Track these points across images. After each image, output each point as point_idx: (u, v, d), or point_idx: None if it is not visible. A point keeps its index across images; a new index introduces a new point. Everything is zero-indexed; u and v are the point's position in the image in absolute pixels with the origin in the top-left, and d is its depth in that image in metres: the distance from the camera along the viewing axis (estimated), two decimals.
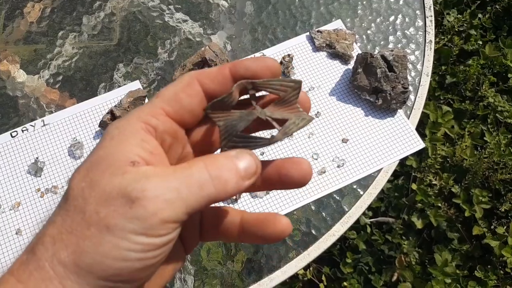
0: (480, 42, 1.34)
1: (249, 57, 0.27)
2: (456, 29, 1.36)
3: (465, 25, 1.36)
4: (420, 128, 1.25)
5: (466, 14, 1.37)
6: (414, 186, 1.21)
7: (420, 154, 1.24)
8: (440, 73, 1.33)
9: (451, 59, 1.33)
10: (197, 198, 0.23)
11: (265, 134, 0.53)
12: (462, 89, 1.31)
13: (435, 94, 1.31)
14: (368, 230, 1.18)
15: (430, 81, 0.67)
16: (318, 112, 0.63)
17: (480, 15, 1.37)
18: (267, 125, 0.27)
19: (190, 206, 0.23)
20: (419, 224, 1.17)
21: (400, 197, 1.21)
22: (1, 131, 0.61)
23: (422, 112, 0.66)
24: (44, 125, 0.61)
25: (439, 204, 1.20)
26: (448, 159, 1.24)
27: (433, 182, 1.22)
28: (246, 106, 0.28)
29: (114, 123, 0.25)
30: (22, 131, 0.60)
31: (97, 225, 0.22)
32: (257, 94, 0.28)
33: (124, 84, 0.64)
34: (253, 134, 0.27)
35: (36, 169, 0.58)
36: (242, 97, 0.27)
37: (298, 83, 0.27)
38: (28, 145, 0.60)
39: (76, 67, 0.65)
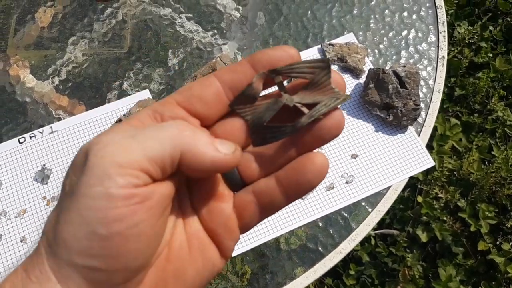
0: (491, 55, 1.33)
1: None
2: (467, 41, 1.35)
3: (475, 37, 1.35)
4: (428, 141, 1.25)
5: (477, 26, 1.36)
6: (420, 199, 1.20)
7: None
8: (449, 85, 1.32)
9: (461, 71, 1.32)
10: (160, 145, 0.21)
11: None
12: (471, 102, 1.30)
13: (444, 106, 1.30)
14: (372, 242, 1.18)
15: (443, 85, 0.66)
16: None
17: (491, 28, 1.36)
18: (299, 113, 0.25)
19: (151, 149, 0.21)
20: (423, 237, 1.17)
21: (406, 210, 1.20)
22: (9, 137, 0.60)
23: None
24: (52, 132, 0.61)
25: (445, 218, 1.19)
26: (455, 173, 1.23)
27: (439, 195, 1.21)
28: (276, 97, 0.26)
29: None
30: (30, 137, 0.60)
31: (68, 194, 0.21)
32: (285, 83, 0.26)
33: (134, 93, 0.63)
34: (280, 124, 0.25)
35: (43, 177, 0.58)
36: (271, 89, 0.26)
37: (326, 62, 0.25)
38: (35, 151, 0.59)
39: (86, 74, 0.65)
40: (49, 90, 0.64)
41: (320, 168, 0.24)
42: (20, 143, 0.60)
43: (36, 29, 0.68)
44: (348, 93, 0.65)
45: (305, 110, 0.24)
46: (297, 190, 0.25)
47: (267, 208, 0.25)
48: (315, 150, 0.25)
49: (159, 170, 0.21)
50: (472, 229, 1.16)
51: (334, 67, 0.66)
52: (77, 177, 0.21)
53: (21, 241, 0.55)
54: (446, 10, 1.35)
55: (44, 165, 0.58)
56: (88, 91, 0.64)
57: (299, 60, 0.24)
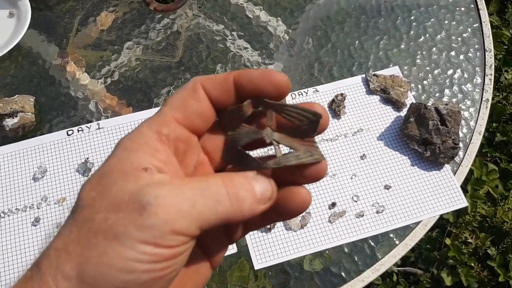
0: None
1: (258, 71, 0.25)
2: None
3: None
4: (462, 183, 1.22)
5: None
6: (448, 241, 1.17)
7: (458, 210, 1.21)
8: (490, 129, 1.30)
9: (504, 117, 1.30)
10: (212, 213, 0.22)
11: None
12: (511, 149, 1.27)
13: (482, 151, 1.27)
14: (394, 278, 1.15)
15: (484, 127, 0.66)
16: (364, 154, 0.63)
17: None
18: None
19: (205, 220, 0.22)
20: (448, 281, 1.13)
21: (432, 250, 1.18)
22: (59, 128, 0.64)
23: None
24: (99, 128, 0.64)
25: (472, 264, 1.15)
26: (487, 219, 1.20)
27: (468, 240, 1.18)
28: (261, 119, 0.26)
29: (127, 135, 0.24)
30: (78, 131, 0.63)
31: (105, 233, 0.21)
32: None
33: None
34: (254, 153, 0.26)
35: (85, 169, 0.61)
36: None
37: (317, 116, 0.24)
38: (81, 145, 0.62)
39: (137, 78, 0.68)
40: (101, 89, 0.67)
41: (302, 200, 0.25)
42: (68, 135, 0.63)
43: (96, 31, 0.72)
44: (388, 125, 0.65)
45: (277, 151, 0.25)
46: (275, 216, 0.26)
47: (249, 225, 0.28)
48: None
49: (200, 233, 0.23)
50: (501, 279, 1.12)
51: (375, 97, 0.67)
52: (120, 222, 0.21)
53: (57, 227, 0.57)
54: (494, 55, 1.34)
55: (87, 158, 0.61)
56: (137, 94, 0.67)
57: (287, 89, 0.25)
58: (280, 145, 0.25)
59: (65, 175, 0.60)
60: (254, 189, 0.23)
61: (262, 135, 0.25)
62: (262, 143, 0.26)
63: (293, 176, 0.25)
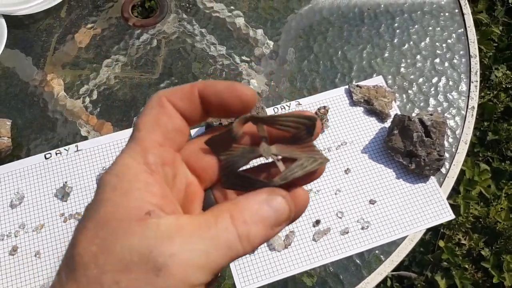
0: None
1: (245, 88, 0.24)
2: (504, 86, 1.32)
3: None
4: (455, 184, 1.21)
5: None
6: (441, 243, 1.17)
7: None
8: (482, 128, 1.29)
9: (495, 115, 1.29)
10: (225, 259, 0.21)
11: None
12: (503, 148, 1.26)
13: (474, 150, 1.27)
14: (389, 283, 1.15)
15: (470, 136, 0.65)
16: (348, 168, 0.62)
17: None
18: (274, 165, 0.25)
19: (218, 267, 0.21)
20: (442, 284, 1.13)
21: (426, 253, 1.17)
22: (36, 151, 0.62)
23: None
24: (78, 150, 0.62)
25: (466, 266, 1.15)
26: (480, 220, 1.19)
27: (462, 242, 1.18)
28: (253, 146, 0.25)
29: (108, 171, 0.22)
30: (56, 154, 0.62)
31: None
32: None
33: None
34: (255, 171, 0.25)
35: (63, 194, 0.59)
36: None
37: (313, 120, 0.24)
38: (59, 168, 0.61)
39: (116, 97, 0.67)
40: (80, 109, 0.66)
41: (302, 206, 0.24)
42: (46, 158, 0.62)
43: (74, 49, 0.71)
44: (372, 137, 0.64)
45: (280, 166, 0.24)
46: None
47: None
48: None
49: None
50: (495, 280, 1.11)
51: (359, 109, 0.66)
52: (134, 284, 0.19)
53: (35, 255, 0.56)
54: (484, 53, 1.33)
55: (66, 182, 0.60)
56: (117, 113, 0.66)
57: (253, 102, 0.24)
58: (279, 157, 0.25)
59: (43, 200, 0.59)
60: (267, 216, 0.22)
61: (260, 153, 0.24)
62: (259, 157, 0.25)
63: (297, 182, 0.24)
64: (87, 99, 0.67)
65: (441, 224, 1.21)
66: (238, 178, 0.24)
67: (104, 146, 0.63)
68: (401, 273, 1.16)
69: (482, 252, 1.15)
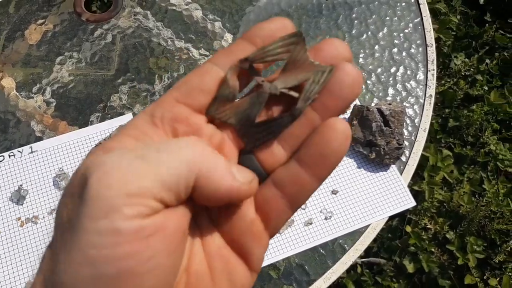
0: (486, 88, 1.33)
1: None
2: (463, 73, 1.35)
3: (472, 69, 1.35)
4: (419, 170, 1.24)
5: (474, 59, 1.36)
6: (408, 229, 1.19)
7: (416, 197, 1.23)
8: (443, 115, 1.32)
9: (455, 102, 1.32)
10: (175, 169, 0.18)
11: None
12: (464, 134, 1.30)
13: (437, 137, 1.30)
14: (359, 270, 1.16)
15: (432, 123, 0.66)
16: None
17: (487, 61, 1.37)
18: (287, 100, 0.22)
19: (165, 175, 0.18)
20: (410, 268, 1.15)
21: (394, 239, 1.19)
22: None
23: (422, 155, 0.65)
24: (32, 152, 0.60)
25: (432, 249, 1.18)
26: (444, 204, 1.22)
27: (428, 226, 1.20)
28: (256, 90, 0.23)
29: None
30: (9, 156, 0.60)
31: (66, 227, 0.18)
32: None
33: (117, 116, 0.63)
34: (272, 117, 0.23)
35: (18, 197, 0.57)
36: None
37: (299, 35, 0.22)
38: (13, 171, 0.59)
39: (71, 94, 0.65)
40: (33, 108, 0.64)
41: (343, 133, 0.21)
42: None
43: (24, 47, 0.68)
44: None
45: (294, 93, 0.22)
46: (325, 166, 0.21)
47: (296, 199, 0.22)
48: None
49: (173, 197, 0.19)
50: (460, 262, 1.15)
51: None
52: (76, 207, 0.18)
53: None
54: (443, 42, 1.36)
55: (21, 185, 0.58)
56: (72, 112, 0.63)
57: (292, 30, 0.22)
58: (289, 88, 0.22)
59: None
60: (231, 167, 0.20)
61: (268, 93, 0.22)
62: (272, 104, 0.23)
63: (335, 98, 0.21)
64: (40, 98, 0.64)
65: (407, 210, 1.23)
66: (260, 128, 0.22)
67: (60, 146, 0.61)
68: (370, 260, 1.18)
69: (447, 235, 1.19)
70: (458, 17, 1.41)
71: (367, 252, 1.21)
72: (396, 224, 1.21)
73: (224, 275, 0.22)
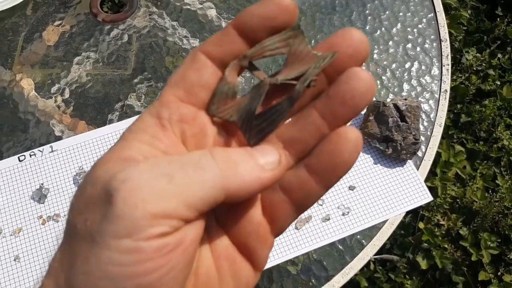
0: (498, 83, 1.33)
1: None
2: (474, 68, 1.34)
3: (483, 64, 1.34)
4: (432, 167, 1.24)
5: (486, 53, 1.35)
6: (421, 225, 1.19)
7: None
8: (455, 111, 1.32)
9: (467, 98, 1.32)
10: (202, 190, 0.18)
11: None
12: (476, 129, 1.29)
13: (449, 133, 1.29)
14: (372, 267, 1.17)
15: (444, 119, 0.66)
16: None
17: (499, 55, 1.36)
18: (288, 90, 0.22)
19: (191, 197, 0.18)
20: (424, 264, 1.15)
21: (406, 235, 1.19)
22: (9, 154, 0.61)
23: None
24: (52, 151, 0.61)
25: (446, 246, 1.18)
26: (457, 200, 1.22)
27: (441, 222, 1.20)
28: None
29: (130, 125, 0.21)
30: (30, 155, 0.61)
31: (85, 237, 0.18)
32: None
33: (135, 115, 0.64)
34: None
35: (40, 196, 0.58)
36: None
37: (297, 27, 0.21)
38: (34, 170, 0.60)
39: (89, 94, 0.66)
40: (52, 108, 0.64)
41: (355, 143, 0.21)
42: (20, 161, 0.60)
43: (42, 48, 0.69)
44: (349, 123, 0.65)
45: (293, 82, 0.22)
46: (333, 175, 0.21)
47: (302, 204, 0.23)
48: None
49: (197, 213, 0.19)
50: (474, 258, 1.15)
51: None
52: (97, 221, 0.18)
53: (14, 260, 0.55)
54: (454, 37, 1.35)
55: (42, 184, 0.59)
56: (90, 111, 0.64)
57: (296, 10, 0.21)
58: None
59: (19, 204, 0.58)
60: (255, 156, 0.20)
61: (267, 83, 0.22)
62: (273, 97, 0.22)
63: (345, 104, 0.21)
64: (59, 98, 0.65)
65: (420, 206, 1.23)
66: (261, 119, 0.22)
67: (80, 145, 0.62)
68: (383, 257, 1.18)
69: (460, 232, 1.18)
70: (469, 11, 1.40)
71: (380, 249, 1.21)
72: (409, 221, 1.21)
73: (230, 275, 0.22)
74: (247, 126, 0.22)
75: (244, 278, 0.22)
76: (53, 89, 0.66)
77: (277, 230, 0.23)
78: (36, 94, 0.66)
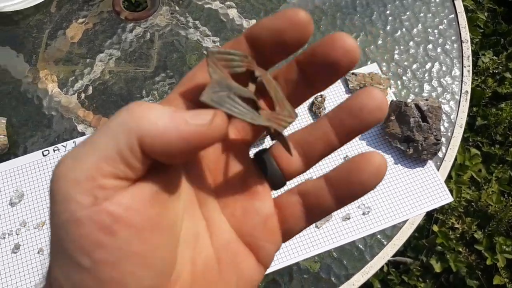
0: None
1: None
2: (491, 71, 1.34)
3: (500, 67, 1.34)
4: None
5: (502, 56, 1.35)
6: (435, 228, 1.19)
7: None
8: (470, 114, 1.31)
9: (483, 101, 1.31)
10: (112, 138, 0.18)
11: None
12: (492, 133, 1.28)
13: (464, 136, 1.28)
14: (385, 269, 1.16)
15: (465, 120, 0.66)
16: (346, 156, 0.63)
17: None
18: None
19: (102, 150, 0.18)
20: (437, 267, 1.15)
21: (420, 238, 1.19)
22: (34, 149, 0.62)
23: None
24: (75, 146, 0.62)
25: (460, 249, 1.17)
26: (472, 204, 1.21)
27: (455, 226, 1.20)
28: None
29: None
30: (54, 150, 0.62)
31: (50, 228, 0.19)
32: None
33: None
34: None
35: None
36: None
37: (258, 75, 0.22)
38: None
39: (112, 91, 0.66)
40: (75, 105, 0.65)
41: (377, 168, 0.21)
42: (44, 155, 0.61)
43: (66, 45, 0.70)
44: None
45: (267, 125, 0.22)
46: (348, 192, 0.22)
47: (314, 212, 0.23)
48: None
49: (126, 168, 0.18)
50: (488, 262, 1.14)
51: None
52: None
53: (38, 252, 0.56)
54: (471, 39, 1.34)
55: None
56: (113, 108, 0.65)
57: (310, 25, 0.21)
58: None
59: (43, 197, 0.59)
60: (181, 113, 0.19)
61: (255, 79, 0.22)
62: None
63: (354, 119, 0.22)
64: (83, 95, 0.66)
65: (435, 209, 1.23)
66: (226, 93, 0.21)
67: None
68: (397, 259, 1.17)
69: (475, 235, 1.18)
70: (486, 14, 1.39)
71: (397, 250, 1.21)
72: (423, 224, 1.21)
73: (232, 267, 0.22)
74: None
75: (247, 272, 0.22)
76: (77, 86, 0.67)
77: (287, 232, 0.23)
78: (60, 90, 0.67)
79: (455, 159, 1.23)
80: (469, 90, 0.69)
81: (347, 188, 0.22)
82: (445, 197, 0.61)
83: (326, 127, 0.23)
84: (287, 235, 0.23)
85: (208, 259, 0.21)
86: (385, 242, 0.58)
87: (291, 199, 0.23)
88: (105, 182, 0.17)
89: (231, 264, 0.22)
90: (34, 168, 0.60)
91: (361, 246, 0.58)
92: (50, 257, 0.18)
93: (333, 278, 0.56)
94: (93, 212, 0.17)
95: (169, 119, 0.18)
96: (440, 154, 0.64)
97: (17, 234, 0.56)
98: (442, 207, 1.21)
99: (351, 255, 0.58)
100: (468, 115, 1.31)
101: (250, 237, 0.22)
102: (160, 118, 0.18)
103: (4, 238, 0.56)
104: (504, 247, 1.14)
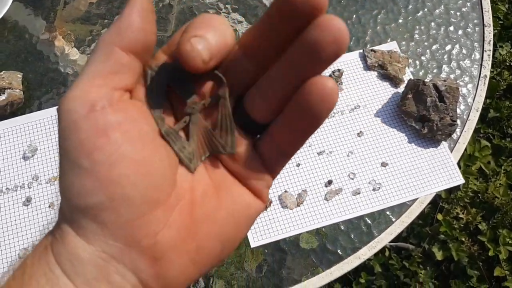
0: None
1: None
2: (507, 63, 1.32)
3: None
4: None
5: None
6: (440, 217, 1.18)
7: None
8: (483, 105, 1.30)
9: (498, 93, 1.30)
10: (96, 50, 0.21)
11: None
12: (504, 126, 1.27)
13: (475, 127, 1.28)
14: (387, 253, 1.17)
15: (482, 104, 0.65)
16: (360, 131, 0.63)
17: None
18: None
19: (93, 66, 0.21)
20: (439, 255, 1.15)
21: (424, 225, 1.19)
22: (48, 105, 0.62)
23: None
24: None
25: (463, 239, 1.17)
26: (479, 195, 1.21)
27: (460, 216, 1.19)
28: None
29: None
30: None
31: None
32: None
33: None
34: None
35: None
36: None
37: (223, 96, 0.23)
38: None
39: None
40: None
41: (323, 91, 0.20)
42: None
43: (84, 4, 0.69)
44: (385, 102, 0.64)
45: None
46: (300, 122, 0.21)
47: (284, 148, 0.23)
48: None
49: (114, 76, 0.21)
50: (490, 253, 1.14)
51: (373, 73, 0.66)
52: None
53: (49, 207, 0.56)
54: None
55: None
56: None
57: (232, 38, 0.22)
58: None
59: (55, 153, 0.59)
60: None
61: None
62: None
63: (307, 56, 0.19)
64: None
65: (440, 198, 1.23)
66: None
67: None
68: (399, 244, 1.18)
69: (479, 226, 1.17)
70: (506, 6, 1.37)
71: (396, 237, 1.21)
72: (428, 211, 1.21)
73: (229, 194, 0.23)
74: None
75: (244, 200, 0.23)
76: (93, 46, 0.66)
77: (269, 167, 0.24)
78: (77, 49, 0.66)
79: (465, 150, 1.22)
80: (488, 75, 0.68)
81: (300, 117, 0.21)
82: (457, 179, 0.61)
83: (290, 76, 0.21)
84: (272, 172, 0.24)
85: (207, 188, 0.23)
86: (393, 219, 0.59)
87: (265, 139, 0.23)
88: (99, 93, 0.20)
89: (228, 192, 0.23)
90: (49, 124, 0.61)
91: (369, 221, 0.58)
92: (59, 172, 0.21)
93: (339, 251, 0.57)
94: (90, 118, 0.20)
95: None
96: (454, 136, 0.63)
97: (29, 188, 0.57)
98: (448, 196, 1.21)
99: (359, 229, 0.58)
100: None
101: (239, 177, 0.23)
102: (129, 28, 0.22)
103: (16, 190, 0.57)
104: (508, 239, 1.14)
